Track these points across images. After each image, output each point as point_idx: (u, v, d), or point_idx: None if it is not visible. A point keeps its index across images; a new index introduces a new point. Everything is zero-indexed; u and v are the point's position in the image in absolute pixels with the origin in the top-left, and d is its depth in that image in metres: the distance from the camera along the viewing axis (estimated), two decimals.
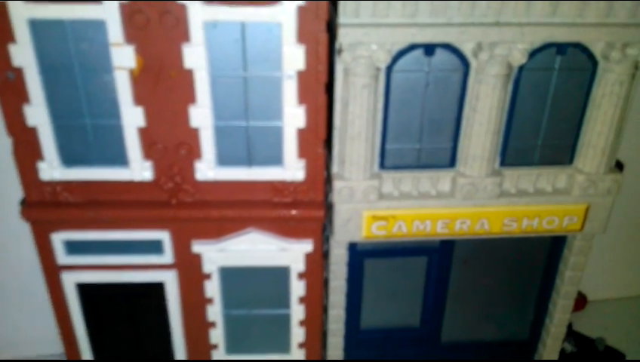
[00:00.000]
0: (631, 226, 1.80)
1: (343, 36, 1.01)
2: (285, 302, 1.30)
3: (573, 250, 1.32)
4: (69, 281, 1.22)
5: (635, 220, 1.79)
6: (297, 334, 1.34)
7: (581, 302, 1.82)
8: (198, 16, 0.98)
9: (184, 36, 1.00)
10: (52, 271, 1.21)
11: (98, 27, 0.99)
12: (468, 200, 1.20)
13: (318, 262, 1.26)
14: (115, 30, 0.99)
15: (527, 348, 1.50)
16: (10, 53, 1.00)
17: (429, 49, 1.06)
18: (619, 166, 1.24)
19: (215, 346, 1.34)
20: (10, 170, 1.14)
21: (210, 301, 1.28)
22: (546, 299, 1.42)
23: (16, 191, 1.19)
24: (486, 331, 1.47)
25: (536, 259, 1.38)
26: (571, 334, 1.62)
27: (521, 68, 1.09)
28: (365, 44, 1.02)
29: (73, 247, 1.19)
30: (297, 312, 1.31)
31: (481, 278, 1.39)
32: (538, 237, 1.31)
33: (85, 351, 1.32)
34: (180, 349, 1.33)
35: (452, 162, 1.19)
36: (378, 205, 1.19)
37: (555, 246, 1.35)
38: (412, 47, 1.05)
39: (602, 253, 1.81)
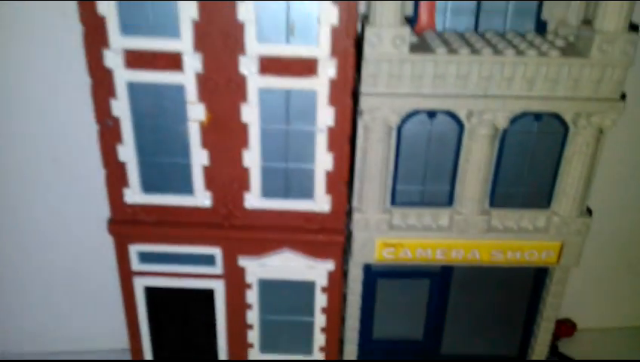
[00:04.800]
0: (620, 261, 2.02)
1: (364, 102, 1.31)
2: (310, 311, 1.57)
3: (553, 280, 1.57)
4: (139, 285, 1.52)
5: (623, 256, 2.01)
6: (319, 339, 1.61)
7: (570, 329, 2.04)
8: (254, 84, 1.29)
9: (243, 98, 1.31)
10: (127, 276, 1.51)
11: (179, 89, 1.30)
12: (462, 234, 1.46)
13: (339, 279, 1.53)
14: (191, 92, 1.30)
15: None
16: (111, 106, 1.32)
17: (431, 113, 1.35)
18: (589, 211, 1.49)
19: (251, 345, 1.62)
20: (98, 194, 1.46)
21: (249, 306, 1.56)
22: (531, 321, 1.66)
23: (95, 212, 1.50)
24: (481, 346, 1.71)
25: (523, 287, 1.62)
26: (556, 354, 1.85)
27: (505, 130, 1.37)
28: (380, 109, 1.31)
29: (145, 257, 1.49)
30: (320, 320, 1.58)
31: (477, 300, 1.63)
32: (524, 268, 1.56)
33: (146, 344, 1.62)
34: (222, 346, 1.61)
35: (450, 202, 1.46)
36: (388, 234, 1.46)
37: (538, 276, 1.59)
38: (417, 112, 1.34)
39: (594, 285, 2.04)
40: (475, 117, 1.33)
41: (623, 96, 1.34)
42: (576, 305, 2.03)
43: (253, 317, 1.57)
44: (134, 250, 1.48)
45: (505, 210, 1.47)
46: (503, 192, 1.45)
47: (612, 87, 1.31)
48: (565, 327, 2.02)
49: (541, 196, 1.47)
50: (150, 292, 1.54)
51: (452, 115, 1.35)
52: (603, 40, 1.26)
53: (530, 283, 1.61)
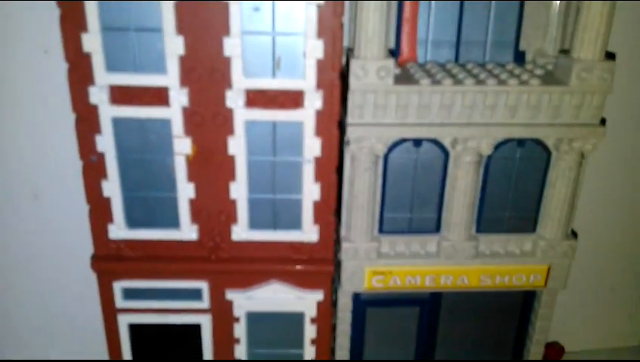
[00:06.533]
0: (604, 283, 2.05)
1: (350, 132, 1.32)
2: (299, 343, 1.55)
3: (541, 303, 1.58)
4: (124, 322, 1.49)
5: (607, 278, 2.04)
6: None
7: (559, 351, 2.05)
8: (241, 116, 1.29)
9: (229, 131, 1.31)
10: (110, 313, 1.48)
11: (165, 124, 1.30)
12: (450, 260, 1.47)
13: (328, 309, 1.52)
14: (177, 126, 1.30)
15: None
16: (96, 142, 1.31)
17: (417, 142, 1.37)
18: (574, 234, 1.51)
19: None
20: (82, 230, 1.43)
21: (237, 341, 1.53)
22: (521, 345, 1.67)
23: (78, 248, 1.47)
24: None
25: (512, 311, 1.63)
26: None
27: (489, 156, 1.39)
28: (367, 138, 1.32)
29: (129, 294, 1.46)
30: (309, 352, 1.56)
31: (466, 326, 1.64)
32: (513, 292, 1.57)
33: None
34: None
35: (437, 228, 1.47)
36: (377, 262, 1.46)
37: (527, 300, 1.61)
38: (403, 141, 1.36)
39: (580, 308, 2.06)
40: (459, 144, 1.35)
41: (603, 121, 1.37)
42: (563, 329, 2.04)
43: (241, 351, 1.54)
44: (118, 286, 1.45)
45: (492, 235, 1.48)
46: (490, 218, 1.47)
47: (592, 113, 1.35)
48: (553, 351, 2.02)
49: (527, 220, 1.49)
50: (135, 329, 1.50)
51: (437, 143, 1.37)
52: (581, 68, 1.29)
53: (518, 307, 1.62)
